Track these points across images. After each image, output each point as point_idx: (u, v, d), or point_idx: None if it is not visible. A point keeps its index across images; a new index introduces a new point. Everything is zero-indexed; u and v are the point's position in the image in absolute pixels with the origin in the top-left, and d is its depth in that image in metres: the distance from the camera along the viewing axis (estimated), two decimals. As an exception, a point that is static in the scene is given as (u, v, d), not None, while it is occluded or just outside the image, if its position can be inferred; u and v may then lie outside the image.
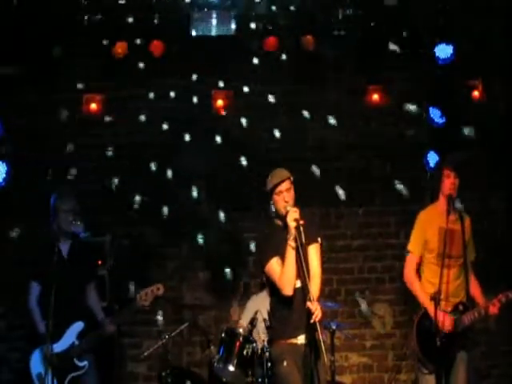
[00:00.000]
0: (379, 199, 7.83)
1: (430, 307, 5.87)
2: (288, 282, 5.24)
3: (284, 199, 5.31)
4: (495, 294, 5.92)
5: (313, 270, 5.31)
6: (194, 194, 7.70)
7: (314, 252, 5.37)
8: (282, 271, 5.25)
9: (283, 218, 5.32)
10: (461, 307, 5.92)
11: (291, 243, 5.18)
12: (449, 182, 6.01)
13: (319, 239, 5.43)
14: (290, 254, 5.20)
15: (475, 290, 6.06)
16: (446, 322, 5.82)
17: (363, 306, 7.68)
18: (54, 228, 6.10)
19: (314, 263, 5.34)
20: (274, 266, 5.32)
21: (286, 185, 5.34)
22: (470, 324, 5.88)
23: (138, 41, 7.42)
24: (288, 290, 5.24)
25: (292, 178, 5.39)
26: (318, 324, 5.06)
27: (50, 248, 5.79)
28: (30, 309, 6.04)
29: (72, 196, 6.12)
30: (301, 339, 5.29)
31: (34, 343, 6.00)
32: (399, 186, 7.58)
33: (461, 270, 5.99)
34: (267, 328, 5.91)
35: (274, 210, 5.49)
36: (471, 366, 6.02)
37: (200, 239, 7.61)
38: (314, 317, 5.05)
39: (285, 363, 5.28)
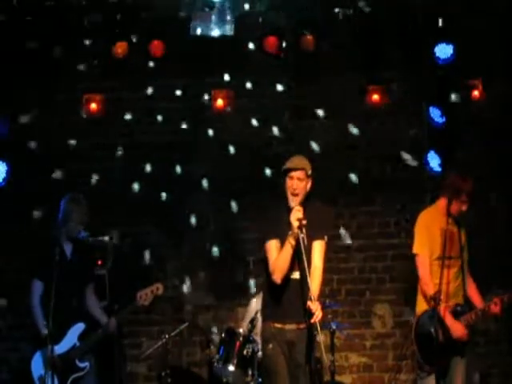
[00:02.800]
0: (379, 199, 7.83)
1: (447, 314, 5.82)
2: (278, 271, 5.28)
3: (292, 186, 5.33)
4: (495, 294, 5.90)
5: (313, 265, 5.32)
6: (195, 193, 7.71)
7: (317, 248, 5.37)
8: (276, 259, 5.30)
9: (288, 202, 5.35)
10: (458, 309, 5.91)
11: (291, 241, 5.19)
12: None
13: (325, 237, 5.44)
14: (287, 250, 5.22)
15: (472, 291, 6.06)
16: (458, 329, 5.80)
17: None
18: (61, 230, 6.11)
19: (315, 258, 5.35)
20: (272, 246, 5.36)
21: (298, 174, 5.33)
22: (466, 326, 5.87)
23: (138, 41, 7.42)
24: (276, 278, 5.29)
25: (309, 172, 5.37)
26: (318, 324, 5.07)
27: (53, 248, 5.78)
28: (32, 308, 6.03)
29: (84, 205, 6.12)
30: (288, 325, 5.35)
31: (34, 344, 6.00)
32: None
33: (459, 271, 5.99)
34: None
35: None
36: (471, 367, 6.01)
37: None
38: (314, 317, 5.06)
39: (270, 345, 5.38)
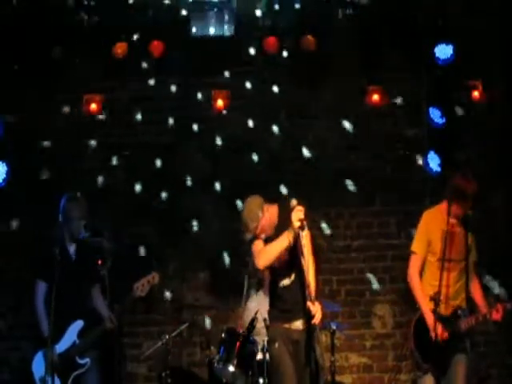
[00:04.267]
0: (379, 199, 7.83)
1: (427, 314, 5.90)
2: (264, 258, 5.33)
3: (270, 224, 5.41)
4: (498, 300, 5.91)
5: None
6: (195, 193, 7.71)
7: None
8: (266, 247, 5.35)
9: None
10: (459, 312, 5.91)
11: (290, 238, 5.19)
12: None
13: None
14: (282, 242, 5.25)
15: (477, 293, 6.05)
16: (440, 332, 5.78)
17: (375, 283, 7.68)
18: (63, 230, 6.11)
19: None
20: (260, 244, 5.43)
21: (262, 221, 5.40)
22: (466, 330, 5.88)
23: (138, 41, 7.42)
24: (260, 264, 5.35)
25: (260, 214, 5.42)
26: (317, 327, 5.10)
27: (57, 248, 5.79)
28: (36, 309, 6.04)
29: (85, 203, 6.14)
30: (294, 325, 5.39)
31: (35, 343, 6.01)
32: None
33: (461, 274, 5.98)
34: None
35: None
36: (470, 368, 6.01)
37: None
38: (314, 319, 5.07)
39: (276, 345, 5.42)
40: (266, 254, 5.33)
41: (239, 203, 7.24)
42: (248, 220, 5.45)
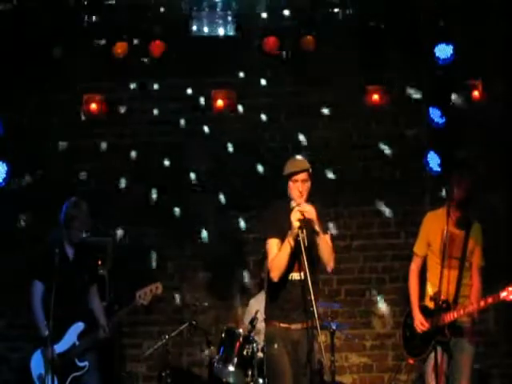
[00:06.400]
0: (379, 199, 7.82)
1: (414, 307, 6.05)
2: (275, 269, 5.28)
3: (298, 189, 5.33)
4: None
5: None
6: (195, 194, 7.71)
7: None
8: (274, 258, 5.31)
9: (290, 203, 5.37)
10: (444, 305, 5.91)
11: (290, 241, 5.19)
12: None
13: (329, 232, 5.48)
14: (286, 249, 5.23)
15: (474, 294, 6.04)
16: (422, 323, 5.96)
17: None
18: (63, 232, 6.11)
19: None
20: (273, 244, 5.37)
21: (302, 176, 5.37)
22: (448, 323, 5.85)
23: (138, 41, 7.42)
24: (273, 276, 5.29)
25: (311, 170, 5.41)
26: (318, 325, 5.07)
27: (54, 249, 5.78)
28: (32, 309, 6.04)
29: (86, 210, 6.14)
30: (294, 326, 5.34)
31: (34, 343, 6.00)
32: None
33: (463, 273, 5.99)
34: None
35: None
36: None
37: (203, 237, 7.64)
38: (306, 214, 5.12)
39: (275, 345, 5.36)
40: (275, 267, 5.28)
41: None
42: (306, 162, 5.44)
